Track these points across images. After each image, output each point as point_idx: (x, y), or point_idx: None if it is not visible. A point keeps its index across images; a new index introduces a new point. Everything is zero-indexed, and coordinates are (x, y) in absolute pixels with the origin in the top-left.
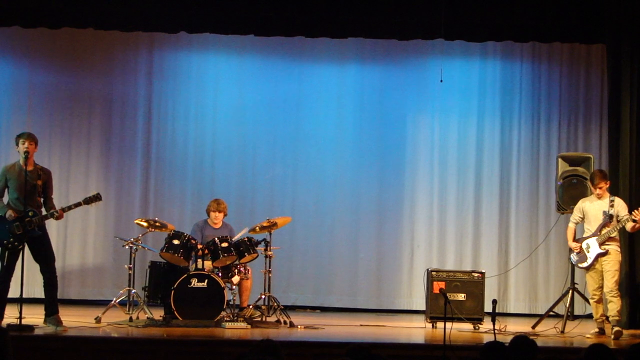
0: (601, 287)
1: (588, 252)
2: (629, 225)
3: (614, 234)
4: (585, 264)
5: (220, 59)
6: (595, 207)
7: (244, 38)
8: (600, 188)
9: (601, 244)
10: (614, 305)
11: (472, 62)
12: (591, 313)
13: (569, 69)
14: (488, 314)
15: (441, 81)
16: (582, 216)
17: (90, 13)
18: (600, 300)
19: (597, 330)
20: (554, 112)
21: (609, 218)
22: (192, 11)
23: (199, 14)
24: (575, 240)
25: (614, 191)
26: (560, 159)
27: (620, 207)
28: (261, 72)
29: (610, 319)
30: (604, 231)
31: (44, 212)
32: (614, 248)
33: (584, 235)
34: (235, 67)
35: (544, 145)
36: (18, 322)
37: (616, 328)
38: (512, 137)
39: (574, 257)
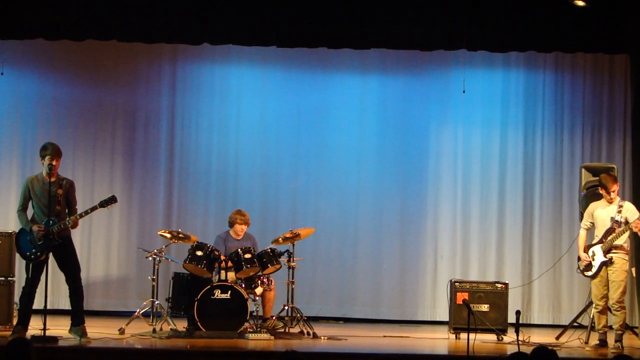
0: (605, 297)
1: (594, 260)
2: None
3: (619, 242)
4: (590, 273)
5: (243, 70)
6: (604, 213)
7: (267, 49)
8: (614, 191)
9: (606, 252)
10: (618, 319)
11: (495, 73)
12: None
13: (592, 79)
14: (512, 324)
15: (464, 91)
16: (592, 222)
17: (113, 25)
18: (603, 311)
19: (597, 342)
20: (577, 122)
21: (615, 224)
22: (215, 23)
23: (222, 25)
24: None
25: (637, 201)
26: (583, 169)
27: (629, 212)
28: (284, 83)
29: (615, 332)
30: (608, 238)
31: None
32: (619, 257)
33: (592, 242)
34: (258, 78)
35: (568, 156)
36: (42, 334)
37: (618, 344)
38: (536, 148)
39: (580, 264)
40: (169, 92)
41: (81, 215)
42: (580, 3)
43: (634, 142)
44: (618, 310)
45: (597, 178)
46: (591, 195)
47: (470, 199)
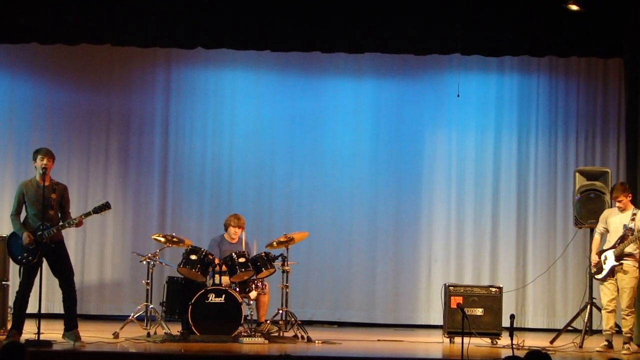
0: (615, 299)
1: (605, 263)
2: None
3: (631, 249)
4: (600, 276)
5: (237, 75)
6: (617, 219)
7: (261, 53)
8: (619, 201)
9: (617, 258)
10: (628, 323)
11: (489, 77)
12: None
13: (586, 83)
14: (506, 328)
15: (458, 96)
16: (606, 227)
17: (107, 29)
18: (613, 311)
19: (605, 343)
20: (571, 126)
21: (629, 231)
22: (208, 27)
23: (216, 29)
24: (597, 252)
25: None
26: (577, 174)
27: None
28: (278, 87)
29: (624, 335)
30: (621, 245)
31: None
32: (630, 265)
33: (605, 247)
34: (252, 83)
35: (562, 160)
36: (36, 338)
37: (627, 345)
38: (530, 152)
39: (592, 268)
40: (163, 96)
41: (76, 219)
42: (575, 7)
43: (627, 146)
44: (628, 315)
45: (591, 182)
46: (585, 199)
47: (464, 203)
